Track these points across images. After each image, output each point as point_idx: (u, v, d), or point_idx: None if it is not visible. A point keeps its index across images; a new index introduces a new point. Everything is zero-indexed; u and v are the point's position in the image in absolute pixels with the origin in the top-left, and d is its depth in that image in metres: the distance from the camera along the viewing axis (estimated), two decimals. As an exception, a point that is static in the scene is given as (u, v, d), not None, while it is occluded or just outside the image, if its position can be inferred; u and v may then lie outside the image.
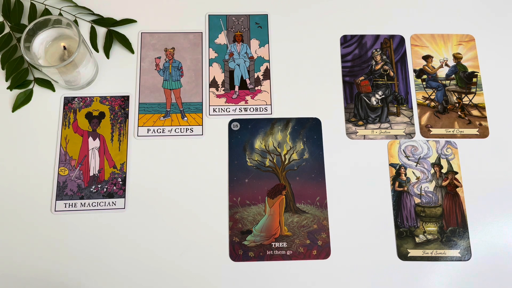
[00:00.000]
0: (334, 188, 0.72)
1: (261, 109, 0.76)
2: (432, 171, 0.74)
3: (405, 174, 0.74)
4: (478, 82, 0.79)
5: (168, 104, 0.76)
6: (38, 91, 0.76)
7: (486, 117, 0.77)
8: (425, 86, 0.79)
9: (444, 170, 0.74)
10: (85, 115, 0.75)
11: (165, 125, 0.75)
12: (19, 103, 0.74)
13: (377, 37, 0.81)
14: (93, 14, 0.79)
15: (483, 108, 0.78)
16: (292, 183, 0.73)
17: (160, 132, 0.74)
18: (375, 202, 0.72)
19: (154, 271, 0.68)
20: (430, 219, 0.72)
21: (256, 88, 0.78)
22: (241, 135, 0.75)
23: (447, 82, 0.79)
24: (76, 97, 0.75)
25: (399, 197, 0.72)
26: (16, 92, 0.75)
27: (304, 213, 0.71)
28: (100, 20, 0.79)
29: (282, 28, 0.81)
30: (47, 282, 0.67)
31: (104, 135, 0.74)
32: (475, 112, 0.77)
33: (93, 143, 0.73)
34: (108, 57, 0.78)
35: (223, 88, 0.77)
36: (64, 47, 0.72)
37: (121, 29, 0.79)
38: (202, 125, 0.75)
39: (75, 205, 0.70)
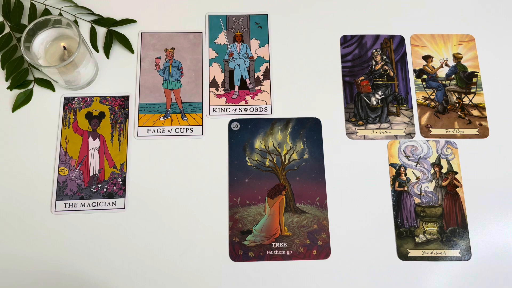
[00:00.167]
0: (334, 188, 0.72)
1: (261, 109, 0.76)
2: (432, 171, 0.74)
3: (405, 174, 0.74)
4: (478, 82, 0.79)
5: (168, 104, 0.76)
6: (38, 91, 0.76)
7: (486, 117, 0.77)
8: (425, 86, 0.79)
9: (444, 170, 0.74)
10: (85, 115, 0.75)
11: (165, 125, 0.75)
12: (19, 103, 0.74)
13: (377, 37, 0.81)
14: (93, 14, 0.79)
15: (483, 108, 0.78)
16: (292, 183, 0.73)
17: (160, 132, 0.74)
18: (375, 202, 0.72)
19: (154, 271, 0.68)
20: (430, 219, 0.72)
21: (256, 88, 0.77)
22: (241, 135, 0.75)
23: (447, 82, 0.79)
24: (76, 97, 0.75)
25: (399, 197, 0.72)
26: (16, 92, 0.75)
27: (304, 213, 0.71)
28: (100, 20, 0.79)
29: (282, 28, 0.81)
30: (47, 282, 0.67)
31: (104, 135, 0.74)
32: (475, 112, 0.77)
33: (93, 143, 0.73)
34: (108, 57, 0.78)
35: (223, 88, 0.77)
36: (64, 47, 0.72)
37: (121, 29, 0.79)
38: (202, 125, 0.75)
39: (75, 205, 0.70)
